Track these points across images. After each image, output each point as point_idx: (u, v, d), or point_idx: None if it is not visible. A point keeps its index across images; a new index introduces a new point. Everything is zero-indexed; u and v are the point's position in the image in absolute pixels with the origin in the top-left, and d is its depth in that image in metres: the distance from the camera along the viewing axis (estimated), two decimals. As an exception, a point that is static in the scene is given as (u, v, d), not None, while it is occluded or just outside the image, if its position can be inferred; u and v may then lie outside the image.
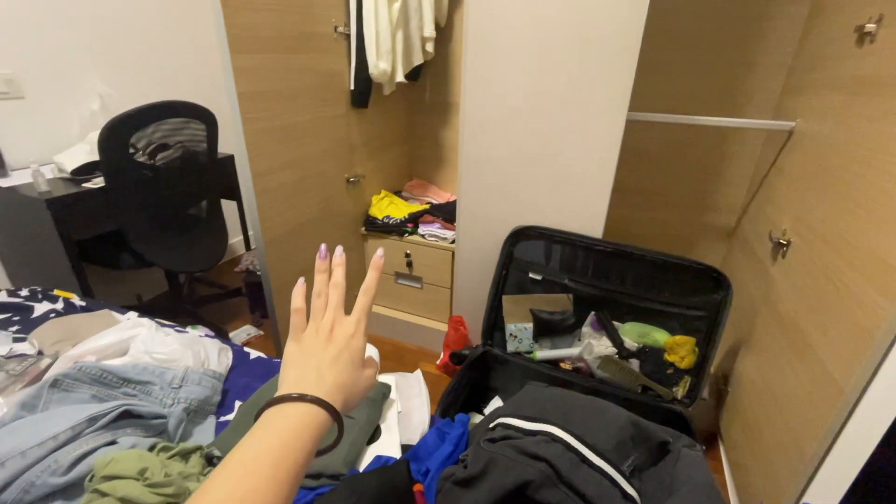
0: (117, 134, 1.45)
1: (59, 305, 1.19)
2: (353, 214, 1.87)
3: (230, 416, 0.86)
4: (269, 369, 1.01)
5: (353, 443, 0.72)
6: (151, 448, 0.65)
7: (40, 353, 0.99)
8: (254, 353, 1.07)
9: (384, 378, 0.92)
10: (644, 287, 1.40)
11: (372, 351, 0.96)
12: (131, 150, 1.50)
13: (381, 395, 0.81)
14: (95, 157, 1.65)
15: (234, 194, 2.16)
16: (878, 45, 0.97)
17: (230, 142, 1.30)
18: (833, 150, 1.09)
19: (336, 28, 1.53)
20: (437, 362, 1.86)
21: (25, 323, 1.11)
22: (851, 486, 0.74)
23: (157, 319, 1.15)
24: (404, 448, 0.76)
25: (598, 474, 0.57)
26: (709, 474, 0.61)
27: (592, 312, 1.47)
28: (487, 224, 1.58)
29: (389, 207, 1.96)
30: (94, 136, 1.74)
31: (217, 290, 2.35)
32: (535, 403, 0.67)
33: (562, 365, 1.50)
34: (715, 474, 1.40)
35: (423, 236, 1.84)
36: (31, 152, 1.72)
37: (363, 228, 1.93)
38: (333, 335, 0.45)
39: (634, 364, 1.41)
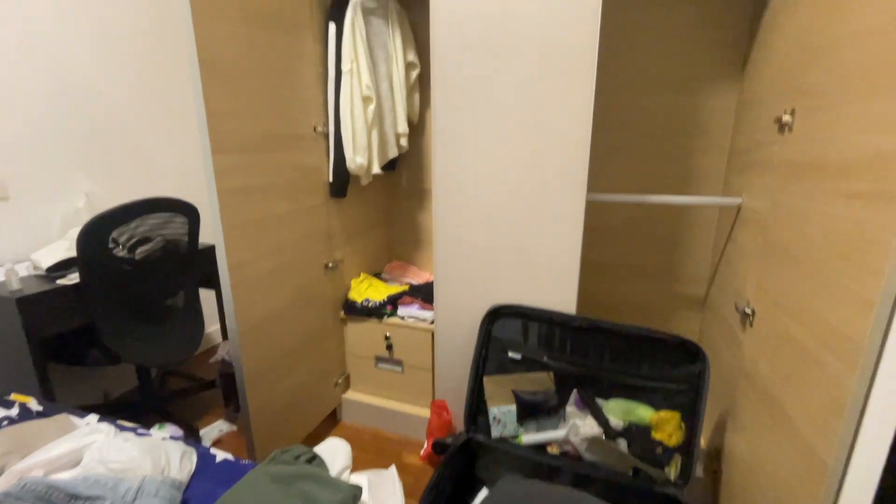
0: (97, 231, 1.47)
1: (14, 412, 1.13)
2: (332, 299, 1.87)
3: (187, 532, 0.79)
4: (235, 474, 0.95)
5: (317, 557, 0.66)
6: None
7: (-16, 468, 0.92)
8: (220, 456, 1.01)
9: (356, 477, 0.87)
10: (623, 362, 1.40)
11: (342, 448, 0.92)
12: (111, 246, 1.53)
13: (350, 497, 0.77)
14: (73, 253, 1.66)
15: (214, 283, 2.16)
16: (796, 134, 1.09)
17: (211, 232, 1.33)
18: (776, 225, 1.17)
19: (315, 128, 1.66)
20: (421, 452, 1.77)
21: (-26, 433, 1.04)
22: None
23: (118, 422, 1.09)
24: (375, 559, 0.71)
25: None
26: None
27: (575, 390, 1.44)
28: (465, 304, 1.60)
29: (369, 290, 1.98)
30: (75, 232, 1.77)
31: (190, 382, 2.25)
32: (512, 499, 0.65)
33: (549, 449, 1.44)
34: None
35: (402, 318, 1.84)
36: (9, 250, 1.73)
37: (342, 312, 1.92)
38: None
39: (622, 444, 1.37)
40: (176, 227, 1.72)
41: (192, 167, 2.39)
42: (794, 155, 1.10)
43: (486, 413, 1.50)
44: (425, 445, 1.74)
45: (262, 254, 1.46)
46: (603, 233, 1.92)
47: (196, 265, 1.83)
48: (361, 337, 1.92)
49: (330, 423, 1.97)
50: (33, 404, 1.17)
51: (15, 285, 1.45)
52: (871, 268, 0.77)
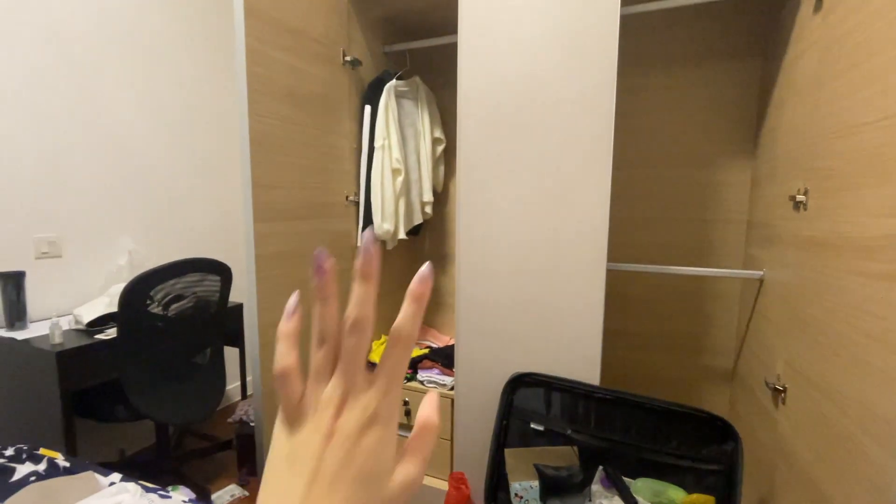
0: (141, 289, 1.56)
1: (42, 467, 1.15)
2: (353, 361, 1.88)
3: None
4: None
5: None
6: None
7: (11, 525, 0.93)
8: (237, 523, 1.00)
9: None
10: (650, 438, 1.35)
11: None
12: (148, 303, 1.61)
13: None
14: (113, 308, 1.75)
15: (238, 341, 2.21)
16: (811, 213, 1.12)
17: (241, 290, 1.40)
18: (800, 299, 1.17)
19: (347, 197, 1.78)
20: (437, 529, 1.67)
21: (5, 487, 1.06)
22: None
23: (141, 483, 1.10)
24: None
25: None
26: None
27: (601, 468, 1.38)
28: (486, 370, 1.59)
29: (389, 353, 1.98)
30: (116, 289, 1.87)
31: (206, 442, 2.23)
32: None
33: (574, 532, 1.36)
34: None
35: (421, 382, 1.83)
36: (54, 305, 1.83)
37: (362, 375, 1.92)
38: (339, 426, 0.26)
39: (653, 530, 1.28)
40: (209, 285, 1.80)
41: (227, 229, 2.54)
42: (810, 231, 1.13)
43: (507, 488, 1.44)
44: (442, 522, 1.66)
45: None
46: (626, 302, 1.92)
47: (225, 323, 1.89)
48: (380, 401, 1.90)
49: (343, 493, 1.90)
50: (60, 460, 1.19)
51: (57, 339, 1.52)
52: (900, 348, 0.77)
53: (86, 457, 1.86)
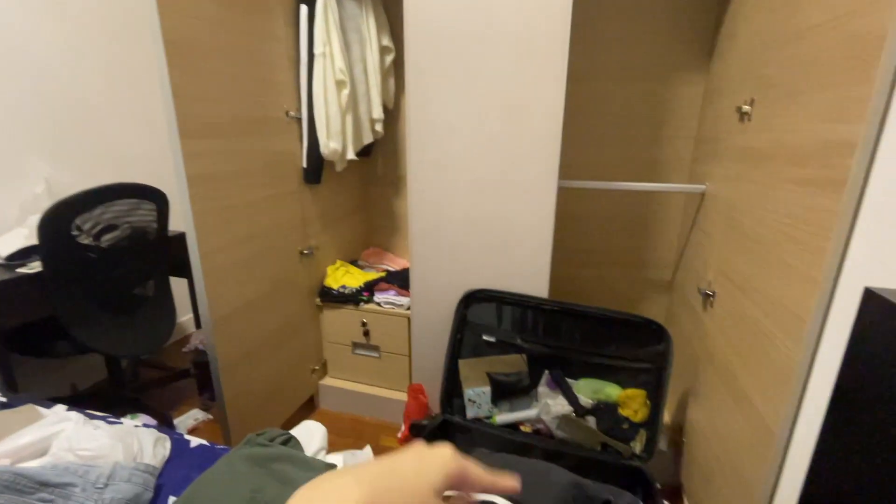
0: (59, 218, 1.42)
1: (-24, 404, 1.10)
2: (308, 286, 1.87)
3: (163, 515, 0.80)
4: (211, 458, 0.95)
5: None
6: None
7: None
8: (195, 441, 1.01)
9: (332, 458, 0.89)
10: (592, 343, 1.46)
11: (317, 430, 0.94)
12: (75, 233, 1.48)
13: (326, 476, 0.79)
14: (34, 241, 1.60)
15: (186, 271, 2.12)
16: (754, 123, 1.14)
17: (182, 219, 1.31)
18: (736, 210, 1.23)
19: (287, 112, 1.63)
20: (399, 435, 1.80)
21: (-67, 427, 1.01)
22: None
23: (87, 411, 1.08)
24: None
25: (541, 542, 0.57)
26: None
27: (547, 371, 1.49)
28: (440, 289, 1.62)
29: (345, 277, 1.98)
30: (35, 219, 1.70)
31: (163, 372, 2.21)
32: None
33: (522, 428, 1.49)
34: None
35: (379, 304, 1.85)
36: (-36, 239, 1.65)
37: (318, 299, 1.92)
38: None
39: (591, 421, 1.43)
40: (143, 214, 1.67)
41: (160, 153, 2.31)
42: (750, 142, 1.16)
43: (461, 395, 1.54)
44: (402, 428, 1.78)
45: (235, 241, 1.44)
46: (576, 220, 1.96)
47: (166, 253, 1.79)
48: (338, 324, 1.93)
49: (308, 410, 1.98)
50: (-4, 396, 1.14)
51: (-28, 275, 1.39)
52: (816, 247, 0.82)
53: (34, 393, 1.81)
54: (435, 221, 1.56)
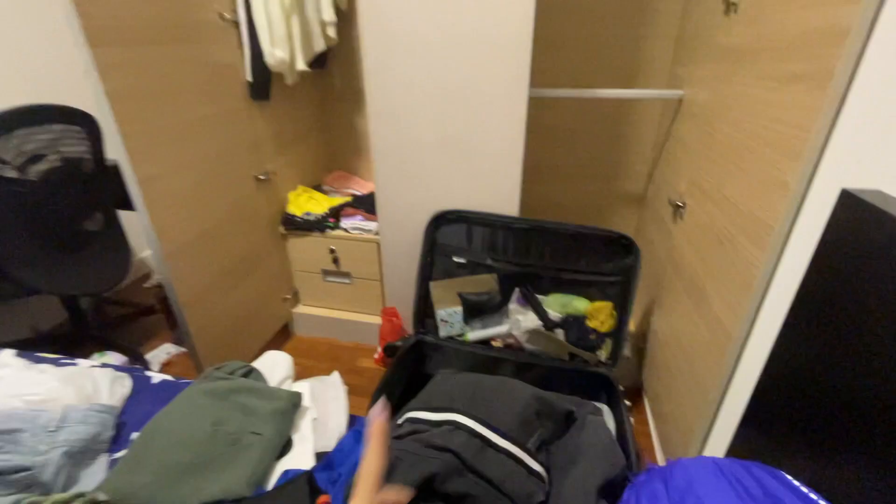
0: (-32, 147, 1.25)
1: (-87, 353, 1.03)
2: (269, 214, 1.77)
3: (125, 451, 0.78)
4: (175, 393, 0.93)
5: (258, 461, 0.68)
6: (16, 505, 0.58)
7: None
8: (158, 377, 0.99)
9: (298, 385, 0.88)
10: (562, 259, 1.45)
11: (282, 359, 0.92)
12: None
13: (290, 405, 0.78)
14: (-52, 175, 1.43)
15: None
16: (741, 15, 1.04)
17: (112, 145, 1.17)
18: (714, 116, 1.17)
19: (222, 15, 1.41)
20: (375, 356, 1.84)
21: None
22: (741, 421, 0.81)
23: (38, 354, 1.03)
24: (320, 456, 0.73)
25: (504, 455, 0.58)
26: (609, 436, 0.64)
27: (517, 289, 1.50)
28: (408, 212, 1.56)
29: (308, 203, 1.88)
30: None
31: (129, 309, 2.15)
32: (444, 393, 0.67)
33: (493, 343, 1.53)
34: (640, 426, 1.50)
35: (346, 230, 1.79)
36: None
37: (282, 227, 1.84)
38: None
39: (560, 334, 1.47)
40: (73, 142, 1.49)
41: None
42: (735, 38, 1.06)
43: (434, 316, 1.55)
44: (378, 350, 1.81)
45: (178, 167, 1.31)
46: (546, 132, 1.87)
47: (108, 184, 1.64)
48: (305, 252, 1.87)
49: (284, 337, 1.99)
50: (-65, 344, 1.07)
51: None
52: (792, 151, 0.78)
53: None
54: (398, 140, 1.45)
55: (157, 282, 1.91)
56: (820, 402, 0.56)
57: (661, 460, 1.38)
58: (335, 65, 1.97)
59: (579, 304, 1.45)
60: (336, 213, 1.81)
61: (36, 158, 1.43)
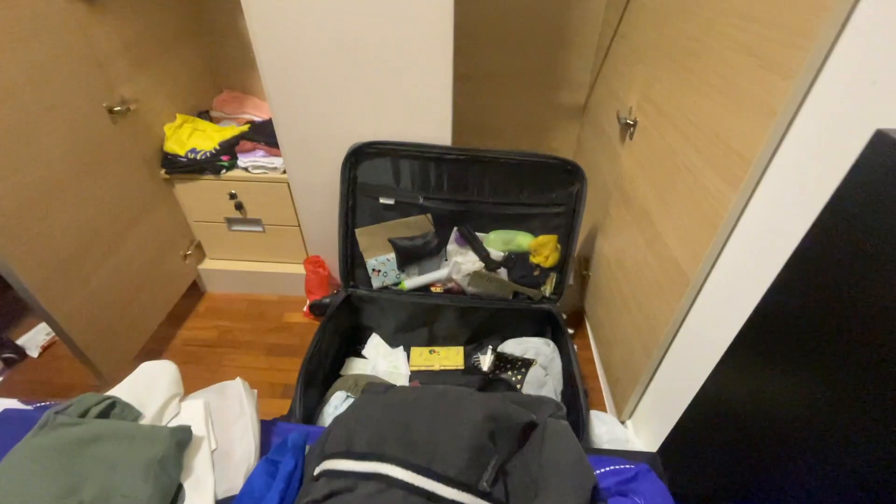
0: None
1: None
2: (140, 155, 1.39)
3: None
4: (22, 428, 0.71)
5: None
6: None
7: None
8: (-2, 406, 0.75)
9: (190, 403, 0.69)
10: (503, 192, 1.29)
11: (161, 373, 0.71)
12: None
13: (174, 446, 0.59)
14: None
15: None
16: None
17: None
18: (674, 13, 0.97)
19: None
20: (304, 309, 1.65)
21: None
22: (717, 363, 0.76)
23: None
24: (223, 502, 0.58)
25: (453, 507, 0.45)
26: (576, 449, 0.53)
27: (455, 228, 1.34)
28: (318, 144, 1.28)
29: (193, 137, 1.50)
30: None
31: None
32: (370, 426, 0.52)
33: (432, 289, 1.40)
34: (583, 351, 1.50)
35: (246, 169, 1.47)
36: None
37: (163, 171, 1.47)
38: None
39: (503, 273, 1.36)
40: None
41: None
42: None
43: (363, 265, 1.37)
44: (308, 302, 1.62)
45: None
46: (478, 39, 1.58)
47: None
48: (199, 198, 1.54)
49: (194, 297, 1.73)
50: None
51: None
52: (781, 64, 0.63)
53: None
54: (293, 48, 1.12)
55: None
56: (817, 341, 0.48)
57: (603, 387, 1.40)
58: (196, -59, 1.47)
59: (523, 241, 1.33)
60: (230, 149, 1.47)
61: None
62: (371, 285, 1.38)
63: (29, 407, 0.75)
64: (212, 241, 1.68)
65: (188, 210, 1.59)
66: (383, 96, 1.18)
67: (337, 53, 1.11)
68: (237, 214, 1.56)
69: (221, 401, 0.70)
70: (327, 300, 1.48)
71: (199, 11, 1.62)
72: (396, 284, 1.38)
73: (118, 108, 1.28)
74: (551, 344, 1.34)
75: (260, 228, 1.60)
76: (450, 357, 1.42)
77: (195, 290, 1.74)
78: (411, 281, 1.37)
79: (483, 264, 1.32)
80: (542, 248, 1.32)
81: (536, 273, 1.35)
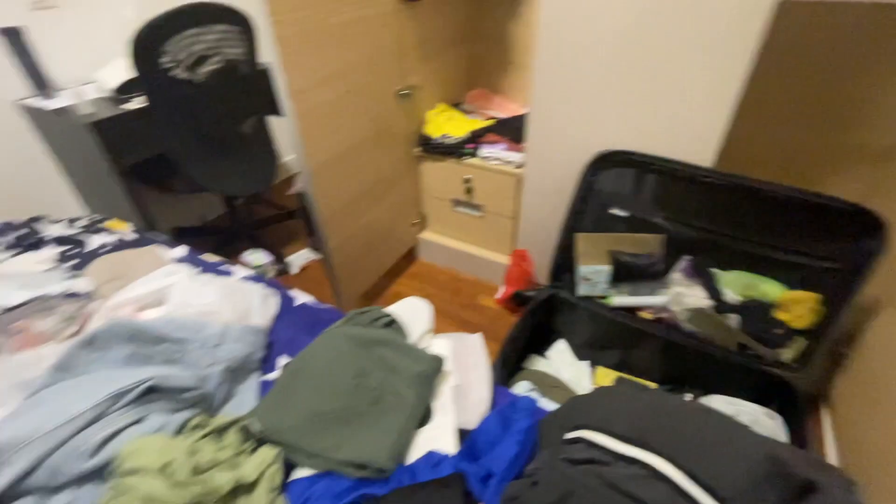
0: (147, 44, 1.30)
1: (112, 238, 1.17)
2: (406, 133, 1.66)
3: (273, 375, 0.79)
4: (314, 319, 0.92)
5: (401, 429, 0.62)
6: (183, 426, 0.59)
7: (90, 294, 0.97)
8: (299, 299, 0.99)
9: (438, 341, 0.80)
10: (759, 231, 1.13)
11: (422, 310, 0.83)
12: (170, 65, 1.37)
13: (433, 369, 0.70)
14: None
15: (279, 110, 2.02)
16: None
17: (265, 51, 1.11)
18: None
19: None
20: (497, 296, 1.74)
21: (83, 257, 1.10)
22: None
23: (202, 258, 1.09)
24: (460, 434, 0.66)
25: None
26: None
27: (686, 258, 1.23)
28: (565, 146, 1.32)
29: (447, 124, 1.72)
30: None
31: (275, 211, 2.33)
32: (628, 414, 0.52)
33: (640, 313, 1.32)
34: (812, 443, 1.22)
35: (485, 159, 1.62)
36: (74, 69, 1.65)
37: (417, 149, 1.73)
38: None
39: (733, 320, 1.19)
40: (233, 42, 1.49)
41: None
42: None
43: (573, 270, 1.37)
44: (501, 290, 1.71)
45: (329, 76, 1.22)
46: (779, 56, 1.40)
47: (259, 88, 1.66)
48: (438, 177, 1.76)
49: (408, 261, 1.99)
50: (128, 232, 1.20)
51: (86, 109, 1.39)
52: None
53: (168, 223, 2.01)
54: (570, 56, 1.18)
55: (299, 191, 1.99)
56: None
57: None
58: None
59: (769, 289, 1.15)
60: (476, 139, 1.64)
61: (201, 60, 1.46)
62: (575, 292, 1.37)
63: (320, 306, 0.97)
64: (435, 216, 1.90)
65: (425, 185, 1.83)
66: (649, 105, 1.14)
67: (616, 55, 1.12)
68: (464, 197, 1.73)
69: (462, 348, 0.79)
70: (531, 293, 1.53)
71: (472, 20, 1.84)
72: (603, 298, 1.35)
73: (403, 92, 1.54)
74: (777, 418, 1.12)
75: (479, 213, 1.75)
76: (639, 389, 1.32)
77: (410, 255, 2.00)
78: (620, 298, 1.32)
79: (712, 303, 1.19)
80: (796, 306, 1.11)
81: (779, 332, 1.15)
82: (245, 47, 1.53)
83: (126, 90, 1.54)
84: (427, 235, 1.95)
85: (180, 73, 1.41)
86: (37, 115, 1.55)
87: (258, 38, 1.53)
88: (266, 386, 0.77)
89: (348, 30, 1.24)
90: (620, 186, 1.25)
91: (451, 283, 1.88)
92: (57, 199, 1.75)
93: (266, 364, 0.82)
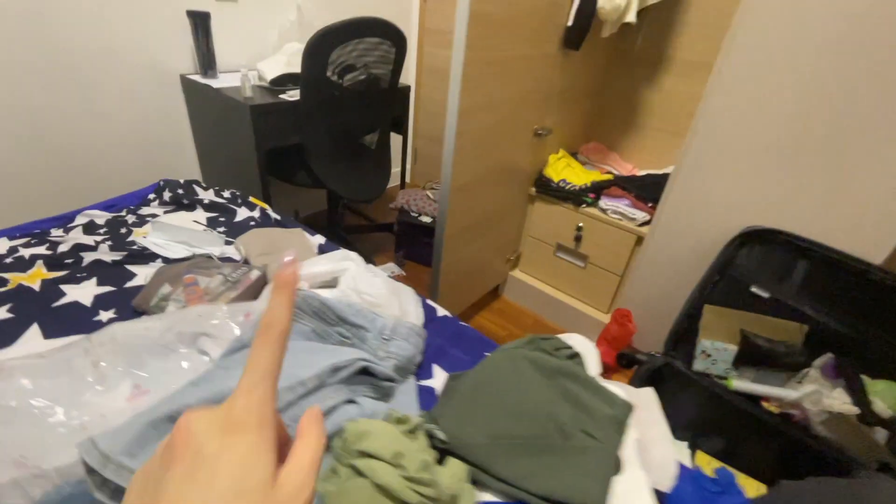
0: (321, 48, 1.39)
1: (257, 214, 1.21)
2: (529, 171, 1.68)
3: (430, 382, 0.76)
4: (459, 333, 0.90)
5: (604, 475, 0.57)
6: (386, 418, 0.57)
7: (246, 261, 0.99)
8: (440, 311, 0.97)
9: (611, 387, 0.75)
10: (928, 342, 1.04)
11: (592, 350, 0.79)
12: (327, 64, 1.46)
13: (625, 416, 0.65)
14: (291, 69, 1.65)
15: (400, 128, 2.10)
16: None
17: (409, 72, 1.16)
18: None
19: (573, -54, 1.28)
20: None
21: (230, 226, 1.13)
22: None
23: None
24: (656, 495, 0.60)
25: None
26: None
27: (831, 355, 1.14)
28: (707, 213, 1.29)
29: (566, 170, 1.73)
30: (290, 47, 1.74)
31: (364, 221, 2.37)
32: None
33: (765, 405, 1.22)
34: None
35: (604, 211, 1.60)
36: (237, 57, 1.78)
37: (533, 188, 1.74)
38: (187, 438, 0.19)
39: (879, 434, 1.09)
40: (381, 55, 1.58)
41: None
42: None
43: (691, 342, 1.30)
44: (606, 347, 1.63)
45: (486, 104, 1.26)
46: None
47: (392, 104, 1.74)
48: (548, 220, 1.75)
49: (492, 295, 1.96)
50: (270, 211, 1.24)
51: (248, 92, 1.48)
52: None
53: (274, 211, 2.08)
54: (735, 125, 1.17)
55: (401, 205, 2.02)
56: None
57: None
58: (645, 22, 1.72)
59: (930, 410, 1.04)
60: (598, 190, 1.63)
61: (349, 68, 1.55)
62: (692, 365, 1.29)
63: (459, 321, 0.94)
64: (531, 257, 1.88)
65: (529, 225, 1.82)
66: (819, 188, 1.11)
67: (785, 135, 1.11)
68: (571, 245, 1.71)
69: (635, 400, 0.74)
70: (642, 357, 1.45)
71: (605, 77, 1.88)
72: (722, 378, 1.26)
73: (539, 132, 1.57)
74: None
75: (582, 264, 1.72)
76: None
77: (495, 291, 1.97)
78: (742, 383, 1.23)
79: (856, 411, 1.09)
80: (961, 434, 1.00)
81: (935, 458, 1.03)
82: (392, 63, 1.62)
83: (279, 83, 1.64)
84: (518, 274, 1.92)
85: (333, 77, 1.50)
86: (195, 90, 1.66)
87: (404, 57, 1.61)
88: (424, 392, 0.74)
89: (517, 65, 1.29)
90: (766, 265, 1.20)
91: (536, 326, 1.83)
92: (181, 167, 1.85)
93: (420, 370, 0.79)
